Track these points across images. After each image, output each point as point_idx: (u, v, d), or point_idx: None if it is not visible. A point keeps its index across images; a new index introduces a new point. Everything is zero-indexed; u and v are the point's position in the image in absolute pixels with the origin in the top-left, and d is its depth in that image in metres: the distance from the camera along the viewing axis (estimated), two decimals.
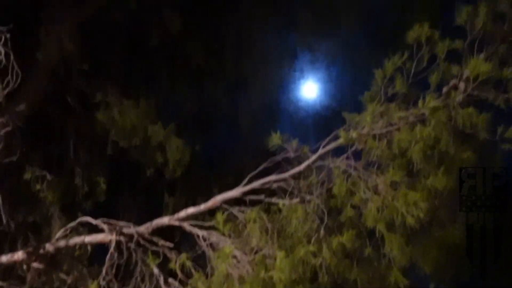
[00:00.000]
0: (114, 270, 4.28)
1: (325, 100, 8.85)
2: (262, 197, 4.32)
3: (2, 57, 4.22)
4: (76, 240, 4.59)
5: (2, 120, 4.90)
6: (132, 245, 4.31)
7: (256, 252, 3.89)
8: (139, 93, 6.28)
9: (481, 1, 3.98)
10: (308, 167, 4.30)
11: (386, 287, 3.97)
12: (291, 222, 4.04)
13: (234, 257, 3.87)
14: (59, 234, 4.60)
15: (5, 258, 4.53)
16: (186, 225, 4.38)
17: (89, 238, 4.55)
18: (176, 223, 4.45)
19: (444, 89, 4.07)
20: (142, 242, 4.37)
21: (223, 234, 4.04)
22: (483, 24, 3.95)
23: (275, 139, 4.39)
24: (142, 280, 4.35)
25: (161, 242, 4.39)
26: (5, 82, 4.33)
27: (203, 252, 4.22)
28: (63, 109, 6.10)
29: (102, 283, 4.28)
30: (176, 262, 4.14)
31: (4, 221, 4.97)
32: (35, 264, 4.53)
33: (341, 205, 4.06)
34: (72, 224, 4.57)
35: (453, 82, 4.05)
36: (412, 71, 4.12)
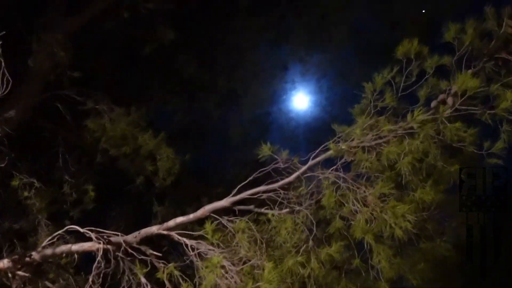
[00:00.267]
0: (101, 279, 4.22)
1: (315, 112, 8.95)
2: (251, 207, 4.32)
3: None
4: (63, 248, 4.52)
5: None
6: (120, 254, 4.27)
7: (244, 263, 3.89)
8: (130, 102, 6.28)
9: (469, 19, 4.07)
10: (298, 178, 4.32)
11: None
12: (280, 233, 4.06)
13: (223, 267, 3.85)
14: (45, 242, 4.54)
15: None
16: (175, 235, 4.35)
17: (76, 247, 4.49)
18: (165, 233, 4.42)
19: (433, 104, 4.14)
20: (130, 251, 4.33)
21: (212, 244, 4.04)
22: (471, 41, 4.03)
23: (265, 150, 4.42)
24: None
25: (149, 251, 4.35)
26: None
27: (191, 262, 4.20)
28: (53, 116, 6.06)
29: None
30: (164, 271, 4.11)
31: None
32: (20, 272, 4.45)
33: (330, 216, 4.09)
34: (60, 232, 4.51)
35: (441, 97, 4.12)
36: (401, 85, 4.19)
